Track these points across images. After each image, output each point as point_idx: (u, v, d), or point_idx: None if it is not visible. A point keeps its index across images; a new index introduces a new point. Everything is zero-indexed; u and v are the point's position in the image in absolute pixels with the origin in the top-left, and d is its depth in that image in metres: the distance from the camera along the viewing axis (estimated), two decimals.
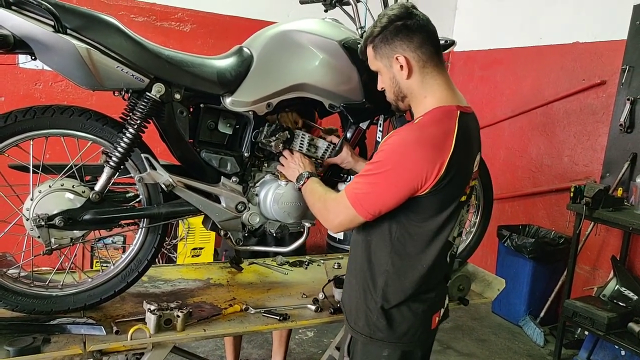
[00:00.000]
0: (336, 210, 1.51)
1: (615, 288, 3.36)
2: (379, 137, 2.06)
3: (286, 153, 1.85)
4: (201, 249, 3.98)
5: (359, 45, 1.60)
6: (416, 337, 1.54)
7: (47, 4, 1.35)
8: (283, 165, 1.85)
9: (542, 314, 3.94)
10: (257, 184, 1.89)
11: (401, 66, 1.45)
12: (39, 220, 1.52)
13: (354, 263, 1.61)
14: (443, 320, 1.65)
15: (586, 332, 3.40)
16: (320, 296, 2.00)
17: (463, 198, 1.49)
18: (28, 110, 1.51)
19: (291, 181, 1.83)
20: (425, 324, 1.55)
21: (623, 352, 3.14)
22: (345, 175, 2.04)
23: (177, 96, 1.63)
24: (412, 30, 1.43)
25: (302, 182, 1.73)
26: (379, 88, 1.58)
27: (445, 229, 1.48)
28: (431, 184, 1.38)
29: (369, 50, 1.51)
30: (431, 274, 1.50)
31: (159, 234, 1.76)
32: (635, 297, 3.22)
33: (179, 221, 3.60)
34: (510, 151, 4.59)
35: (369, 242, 1.53)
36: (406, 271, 1.49)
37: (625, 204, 3.39)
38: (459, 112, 1.43)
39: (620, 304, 3.28)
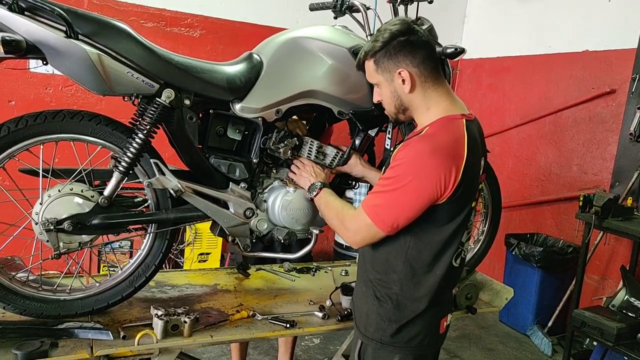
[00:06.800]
0: (356, 227, 1.51)
1: (625, 298, 3.31)
2: (387, 144, 2.06)
3: (297, 162, 1.85)
4: (208, 254, 3.99)
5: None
6: (426, 342, 1.54)
7: (59, 10, 1.36)
8: (295, 173, 1.86)
9: (550, 324, 3.90)
10: (266, 190, 1.89)
11: (403, 80, 1.47)
12: (47, 225, 1.52)
13: (365, 270, 1.61)
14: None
15: (595, 343, 3.36)
16: (328, 303, 2.00)
17: (474, 204, 1.52)
18: (39, 114, 1.52)
19: (301, 188, 1.84)
20: (434, 328, 1.56)
21: None
22: (354, 182, 2.04)
23: (187, 102, 1.64)
24: (416, 46, 1.45)
25: (315, 193, 1.75)
26: (374, 101, 1.60)
27: (458, 234, 1.50)
28: (450, 193, 1.40)
29: (369, 64, 1.53)
30: (444, 279, 1.52)
31: (167, 239, 1.76)
32: None
33: (186, 226, 3.60)
34: (519, 159, 4.57)
35: (382, 251, 1.53)
36: (420, 278, 1.50)
37: (635, 213, 3.37)
38: (464, 120, 1.46)
39: (630, 314, 3.23)
